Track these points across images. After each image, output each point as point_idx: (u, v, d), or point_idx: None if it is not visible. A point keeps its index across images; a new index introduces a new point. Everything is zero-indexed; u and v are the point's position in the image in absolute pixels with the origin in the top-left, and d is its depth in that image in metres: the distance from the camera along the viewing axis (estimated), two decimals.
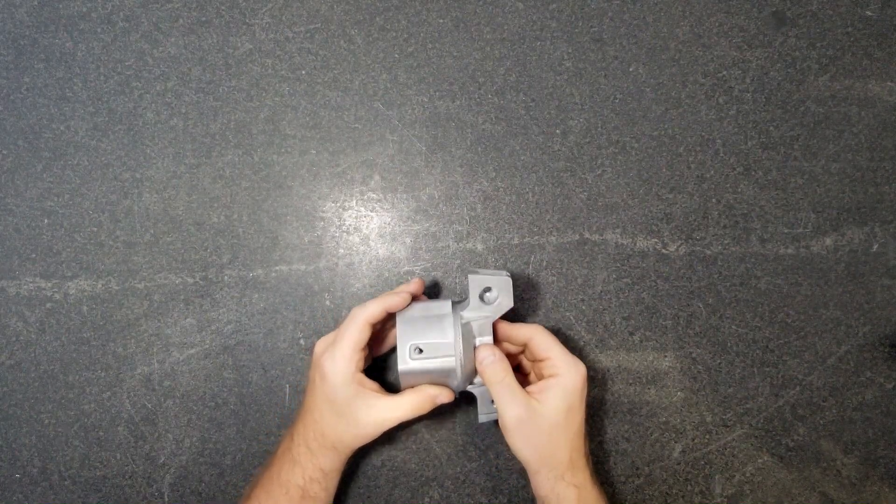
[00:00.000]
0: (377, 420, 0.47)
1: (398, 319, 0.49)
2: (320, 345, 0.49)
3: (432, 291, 0.57)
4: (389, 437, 0.56)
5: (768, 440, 0.56)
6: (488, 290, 0.49)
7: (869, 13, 0.58)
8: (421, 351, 0.47)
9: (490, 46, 0.58)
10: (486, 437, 0.56)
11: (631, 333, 0.56)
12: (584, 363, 0.47)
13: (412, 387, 0.49)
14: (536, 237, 0.57)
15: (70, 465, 0.56)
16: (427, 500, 0.56)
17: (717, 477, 0.56)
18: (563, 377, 0.47)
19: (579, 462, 0.48)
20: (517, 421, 0.46)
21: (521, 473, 0.56)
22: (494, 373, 0.47)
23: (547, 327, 0.56)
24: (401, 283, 0.57)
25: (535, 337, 0.49)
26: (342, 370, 0.47)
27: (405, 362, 0.47)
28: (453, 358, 0.47)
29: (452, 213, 0.57)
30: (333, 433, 0.48)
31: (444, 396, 0.49)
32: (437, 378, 0.48)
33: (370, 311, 0.48)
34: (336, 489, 0.51)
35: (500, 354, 0.48)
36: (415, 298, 0.51)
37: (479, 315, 0.49)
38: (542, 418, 0.46)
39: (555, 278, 0.57)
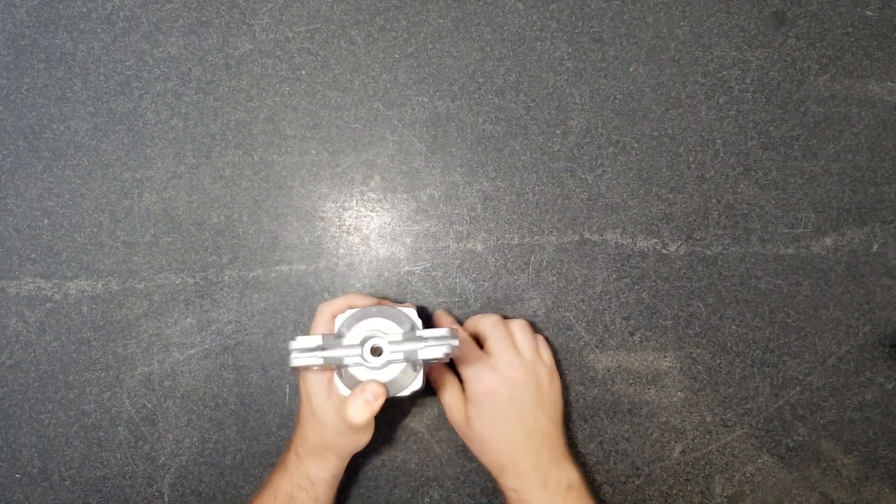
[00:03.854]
0: (337, 415, 0.45)
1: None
2: None
3: (431, 304, 0.57)
4: (389, 437, 0.56)
5: (768, 440, 0.56)
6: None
7: (869, 13, 0.58)
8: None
9: (490, 46, 0.58)
10: None
11: (631, 333, 0.56)
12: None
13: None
14: (536, 237, 0.57)
15: (70, 465, 0.56)
16: (427, 500, 0.56)
17: (717, 477, 0.56)
18: (470, 398, 0.50)
19: (518, 468, 0.48)
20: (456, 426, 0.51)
21: None
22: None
23: (546, 328, 0.56)
24: (401, 283, 0.57)
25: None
26: None
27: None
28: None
29: (452, 213, 0.57)
30: (314, 435, 0.48)
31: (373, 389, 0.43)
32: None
33: (334, 305, 0.49)
34: (331, 502, 0.50)
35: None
36: None
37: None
38: (470, 430, 0.50)
39: (555, 278, 0.57)
